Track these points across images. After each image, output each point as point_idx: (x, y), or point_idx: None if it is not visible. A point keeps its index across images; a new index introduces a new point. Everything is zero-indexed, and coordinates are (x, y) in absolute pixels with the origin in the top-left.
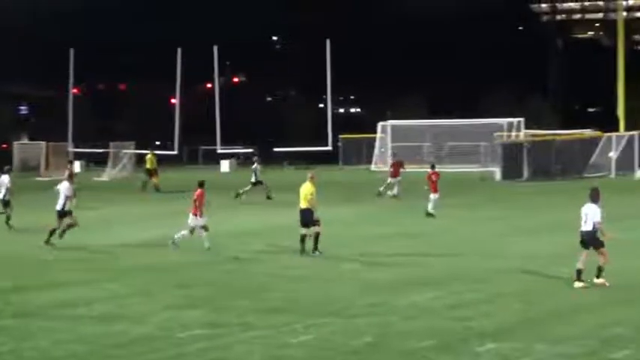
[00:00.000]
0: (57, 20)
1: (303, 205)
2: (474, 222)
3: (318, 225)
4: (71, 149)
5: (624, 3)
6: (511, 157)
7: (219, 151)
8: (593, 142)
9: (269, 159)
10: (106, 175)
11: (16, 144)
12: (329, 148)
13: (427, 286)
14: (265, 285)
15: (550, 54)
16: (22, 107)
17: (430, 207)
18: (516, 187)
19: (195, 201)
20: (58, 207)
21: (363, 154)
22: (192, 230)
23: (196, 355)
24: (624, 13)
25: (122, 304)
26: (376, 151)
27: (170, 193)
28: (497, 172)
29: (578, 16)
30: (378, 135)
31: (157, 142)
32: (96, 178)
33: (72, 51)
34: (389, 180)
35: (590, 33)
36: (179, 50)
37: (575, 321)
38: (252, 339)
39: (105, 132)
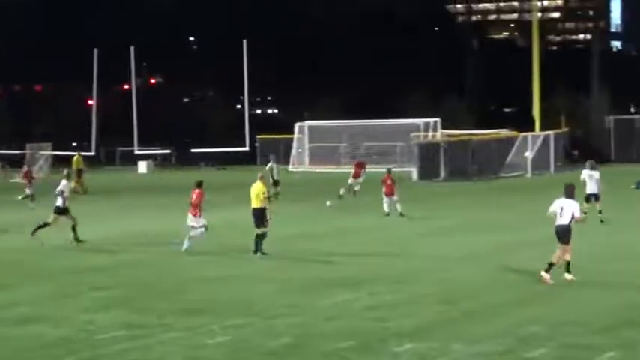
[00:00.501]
0: None
1: (255, 204)
2: (392, 222)
3: (267, 225)
4: None
5: (539, 4)
6: (428, 158)
7: (136, 152)
8: (509, 142)
9: (186, 160)
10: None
11: None
12: (246, 148)
13: (347, 286)
14: (185, 286)
15: (466, 54)
16: None
17: (399, 207)
18: (433, 187)
19: (193, 201)
20: (59, 204)
21: (280, 154)
22: (192, 228)
23: (115, 357)
24: (539, 14)
25: (40, 307)
26: (294, 151)
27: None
28: (414, 172)
29: (493, 16)
30: (296, 136)
31: (74, 144)
32: (12, 180)
33: None
34: (350, 181)
35: (505, 33)
36: (95, 51)
37: (492, 320)
38: (171, 340)
39: (21, 133)
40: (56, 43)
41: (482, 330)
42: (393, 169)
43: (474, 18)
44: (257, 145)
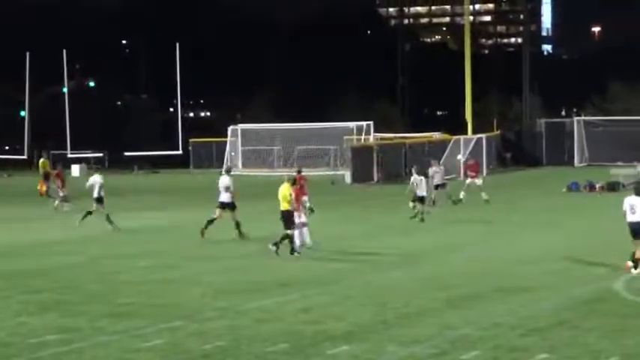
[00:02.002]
0: None
1: (282, 206)
2: (325, 223)
3: (294, 227)
4: None
5: (470, 8)
6: (361, 160)
7: (69, 155)
8: (442, 145)
9: (119, 163)
10: None
11: None
12: (179, 152)
13: (278, 289)
14: (117, 289)
15: (398, 58)
16: None
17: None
18: (367, 190)
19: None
20: (96, 195)
21: (213, 157)
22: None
23: None
24: (470, 18)
25: None
26: (227, 154)
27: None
28: (347, 175)
29: (425, 20)
30: (229, 139)
31: (7, 147)
32: None
33: None
34: (467, 181)
35: (437, 37)
36: (27, 54)
37: (425, 322)
38: (104, 343)
39: None
40: None
41: (416, 332)
42: (328, 173)
43: (406, 21)
44: (190, 148)
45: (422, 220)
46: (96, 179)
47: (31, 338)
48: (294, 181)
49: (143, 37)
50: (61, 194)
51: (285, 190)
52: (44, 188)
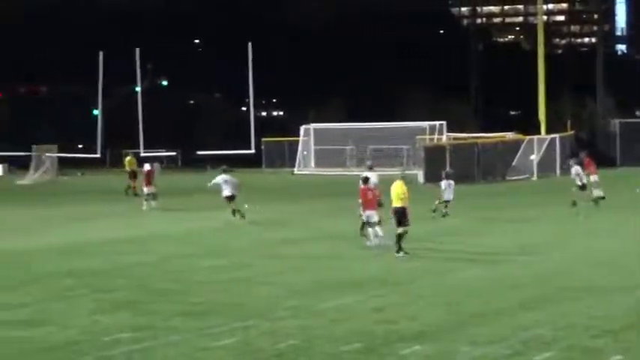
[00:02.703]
0: None
1: (397, 204)
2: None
3: (408, 225)
4: None
5: (544, 7)
6: (434, 160)
7: (142, 154)
8: (515, 146)
9: (191, 163)
10: (29, 178)
11: None
12: (252, 151)
13: (350, 288)
14: (190, 288)
15: (471, 57)
16: None
17: None
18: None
19: (367, 198)
20: (227, 193)
21: (286, 157)
22: (368, 224)
23: (121, 358)
24: (544, 17)
25: (45, 309)
26: (299, 154)
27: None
28: (420, 174)
29: (498, 19)
30: (301, 138)
31: (80, 145)
32: (18, 182)
33: None
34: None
35: (510, 37)
36: (101, 54)
37: (498, 322)
38: (176, 342)
39: (25, 135)
40: (61, 46)
41: (489, 332)
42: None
43: (479, 21)
44: (262, 147)
45: (443, 215)
46: (223, 178)
47: (103, 336)
48: (365, 180)
49: (216, 37)
50: (146, 191)
51: (398, 188)
52: (131, 186)
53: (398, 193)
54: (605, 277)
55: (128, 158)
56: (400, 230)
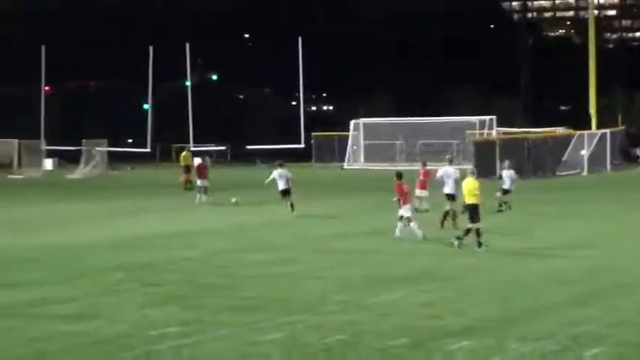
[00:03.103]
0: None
1: (469, 200)
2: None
3: (479, 221)
4: (44, 147)
5: (595, 1)
6: (484, 155)
7: (192, 148)
8: (566, 140)
9: (241, 157)
10: (79, 172)
11: None
12: (301, 145)
13: (399, 283)
14: (239, 283)
15: (521, 52)
16: None
17: (425, 205)
18: (489, 184)
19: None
20: (282, 187)
21: (335, 151)
22: (401, 218)
23: (169, 353)
24: (595, 12)
25: (94, 303)
26: (349, 148)
27: (146, 189)
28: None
29: (549, 14)
30: (351, 133)
31: (130, 140)
32: (69, 176)
33: (43, 48)
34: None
35: (561, 31)
36: (151, 48)
37: (547, 318)
38: (225, 336)
39: (76, 130)
40: (111, 40)
41: (538, 328)
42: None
43: (529, 15)
44: (312, 142)
45: (508, 208)
46: (279, 173)
47: (152, 330)
48: (399, 176)
49: (266, 31)
50: (199, 184)
51: (470, 184)
52: (185, 180)
53: (470, 189)
54: None
55: (184, 153)
56: (471, 226)
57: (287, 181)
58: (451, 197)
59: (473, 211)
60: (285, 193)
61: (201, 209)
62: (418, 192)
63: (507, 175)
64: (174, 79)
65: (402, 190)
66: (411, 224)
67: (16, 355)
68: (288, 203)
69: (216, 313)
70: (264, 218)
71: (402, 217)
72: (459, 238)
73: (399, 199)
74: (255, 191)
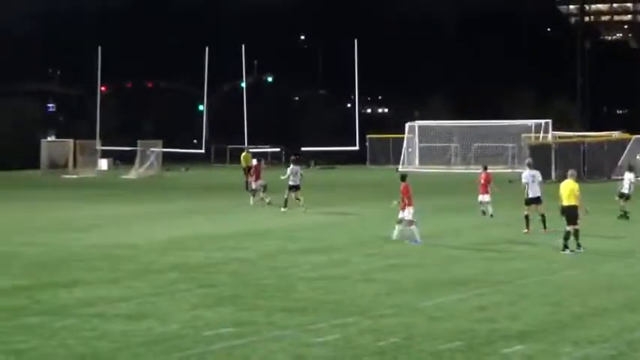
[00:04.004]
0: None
1: (566, 202)
2: (492, 223)
3: (577, 223)
4: (99, 147)
5: None
6: (539, 159)
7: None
8: (622, 144)
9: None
10: (134, 173)
11: (43, 141)
12: (356, 147)
13: (453, 287)
14: (292, 284)
15: (578, 55)
16: (49, 105)
17: (490, 209)
18: (545, 188)
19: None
20: (292, 183)
21: (390, 154)
22: (400, 221)
23: (222, 354)
24: None
25: (147, 303)
26: (404, 151)
27: (199, 191)
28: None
29: (606, 17)
30: (406, 135)
31: (185, 141)
32: (123, 176)
33: (100, 49)
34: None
35: (618, 35)
36: (207, 49)
37: (601, 323)
38: (278, 338)
39: (131, 130)
40: (167, 42)
41: (592, 333)
42: (505, 171)
43: (586, 19)
44: (367, 144)
45: (622, 214)
46: (293, 169)
47: (205, 331)
48: (404, 177)
49: (322, 34)
50: (254, 186)
51: (568, 186)
52: (250, 181)
53: (571, 190)
54: None
55: (244, 154)
56: (569, 228)
57: (300, 177)
58: (536, 200)
59: (572, 213)
60: (295, 188)
61: (255, 210)
62: (481, 197)
63: (629, 177)
64: (231, 80)
65: (408, 192)
66: (412, 227)
67: (72, 354)
68: (297, 198)
69: (269, 315)
70: (317, 219)
71: (401, 220)
72: (566, 246)
73: (402, 202)
74: (308, 193)
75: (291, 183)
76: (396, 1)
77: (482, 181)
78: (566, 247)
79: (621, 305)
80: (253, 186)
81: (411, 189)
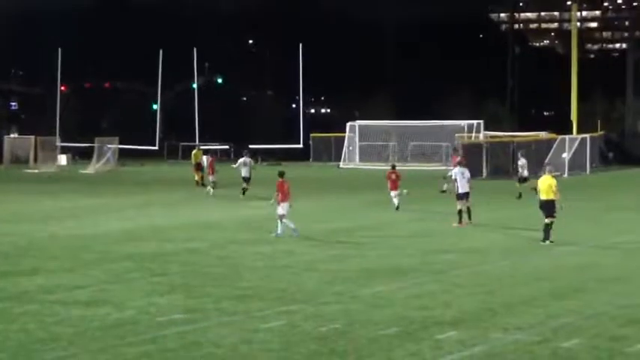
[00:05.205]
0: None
1: (545, 196)
2: (435, 217)
3: (554, 217)
4: (59, 143)
5: (578, 14)
6: (471, 157)
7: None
8: (548, 144)
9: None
10: (91, 168)
11: (6, 138)
12: (300, 145)
13: (391, 276)
14: (240, 273)
15: (508, 60)
16: (12, 103)
17: (397, 202)
18: (476, 184)
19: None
20: (245, 174)
21: (332, 151)
22: (281, 217)
23: (174, 338)
24: (578, 24)
25: (104, 290)
26: (345, 149)
27: (155, 185)
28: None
29: (534, 25)
30: (347, 134)
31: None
32: (81, 171)
33: (60, 51)
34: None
35: (546, 41)
36: (160, 52)
37: (529, 311)
38: (226, 324)
39: (89, 128)
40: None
41: (520, 320)
42: (439, 168)
43: (516, 26)
44: (310, 142)
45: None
46: (244, 161)
47: (159, 317)
48: (282, 174)
49: (269, 38)
50: (211, 179)
51: (545, 182)
52: (198, 177)
53: (548, 185)
54: (636, 269)
55: (195, 151)
56: (547, 221)
57: (249, 169)
58: (465, 196)
59: (550, 207)
60: (246, 179)
61: (206, 203)
62: (392, 192)
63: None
64: (183, 81)
65: (284, 188)
66: (284, 220)
67: (33, 338)
68: (243, 188)
69: (218, 302)
70: (266, 212)
71: (282, 216)
72: (546, 238)
73: (277, 197)
74: (257, 187)
75: (243, 174)
76: (340, 8)
77: (393, 177)
78: (546, 238)
79: (548, 294)
80: (211, 178)
81: (288, 186)
